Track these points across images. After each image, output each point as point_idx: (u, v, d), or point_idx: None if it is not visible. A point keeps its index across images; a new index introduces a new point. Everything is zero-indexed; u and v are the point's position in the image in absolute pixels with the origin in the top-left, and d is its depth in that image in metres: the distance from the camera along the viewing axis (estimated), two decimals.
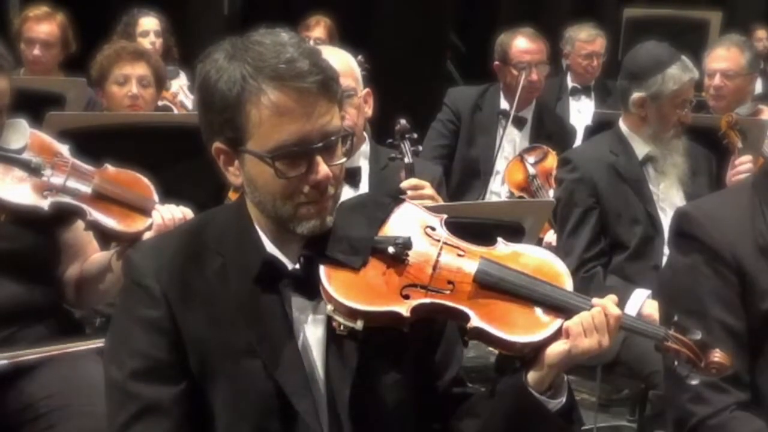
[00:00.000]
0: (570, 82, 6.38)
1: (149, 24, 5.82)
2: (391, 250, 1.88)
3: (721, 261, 2.27)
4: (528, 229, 3.05)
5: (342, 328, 1.84)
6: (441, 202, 3.24)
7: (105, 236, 2.87)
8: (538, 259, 1.97)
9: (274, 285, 1.89)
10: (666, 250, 3.33)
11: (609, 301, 1.90)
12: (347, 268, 1.87)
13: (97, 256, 2.90)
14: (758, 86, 5.76)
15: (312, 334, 1.91)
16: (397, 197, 2.02)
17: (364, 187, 3.27)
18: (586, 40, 6.31)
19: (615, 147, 3.89)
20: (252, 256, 1.90)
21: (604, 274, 3.79)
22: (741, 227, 2.30)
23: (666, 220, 3.69)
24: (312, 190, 1.84)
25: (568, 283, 1.94)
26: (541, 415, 1.89)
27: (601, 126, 4.31)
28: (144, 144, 3.31)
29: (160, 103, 4.44)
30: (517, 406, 1.90)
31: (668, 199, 3.84)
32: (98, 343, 2.58)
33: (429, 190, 3.23)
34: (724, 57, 4.95)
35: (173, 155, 3.29)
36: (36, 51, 5.21)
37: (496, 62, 5.26)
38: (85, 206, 2.77)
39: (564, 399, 1.91)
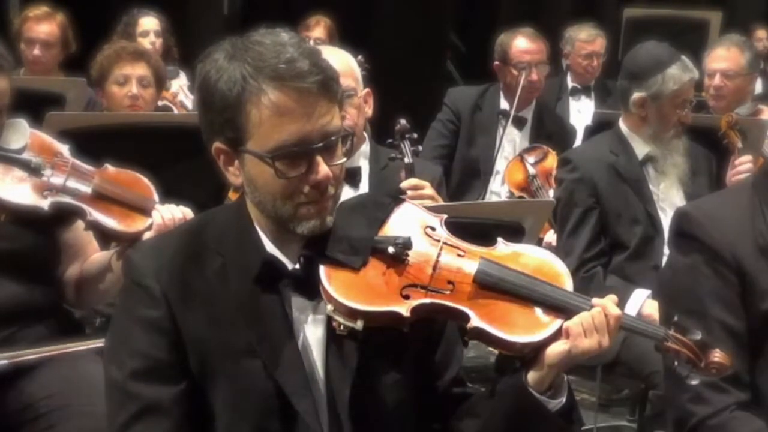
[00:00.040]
0: (570, 82, 6.38)
1: (149, 24, 5.81)
2: (391, 250, 1.88)
3: (721, 261, 2.27)
4: (528, 229, 3.04)
5: (342, 328, 1.84)
6: (441, 202, 3.24)
7: (105, 236, 2.87)
8: (538, 259, 1.97)
9: (274, 285, 1.89)
10: (666, 250, 3.33)
11: (609, 301, 1.90)
12: (347, 268, 1.87)
13: (97, 256, 2.90)
14: (758, 86, 5.75)
15: (312, 334, 1.91)
16: (397, 197, 2.02)
17: (364, 187, 3.27)
18: (586, 40, 6.30)
19: (615, 147, 3.89)
20: (252, 256, 1.90)
21: (604, 274, 3.79)
22: (741, 227, 2.30)
23: (666, 220, 3.69)
24: (312, 190, 1.84)
25: (568, 283, 1.94)
26: (541, 415, 1.89)
27: (601, 126, 4.31)
28: (144, 144, 3.30)
29: (160, 103, 4.43)
30: (517, 406, 1.90)
31: (668, 199, 3.84)
32: (98, 343, 2.58)
33: (429, 190, 3.23)
34: (724, 57, 4.94)
35: (173, 155, 3.29)
36: (36, 51, 5.20)
37: (496, 62, 5.26)
38: (85, 206, 2.77)
39: (564, 399, 1.91)
